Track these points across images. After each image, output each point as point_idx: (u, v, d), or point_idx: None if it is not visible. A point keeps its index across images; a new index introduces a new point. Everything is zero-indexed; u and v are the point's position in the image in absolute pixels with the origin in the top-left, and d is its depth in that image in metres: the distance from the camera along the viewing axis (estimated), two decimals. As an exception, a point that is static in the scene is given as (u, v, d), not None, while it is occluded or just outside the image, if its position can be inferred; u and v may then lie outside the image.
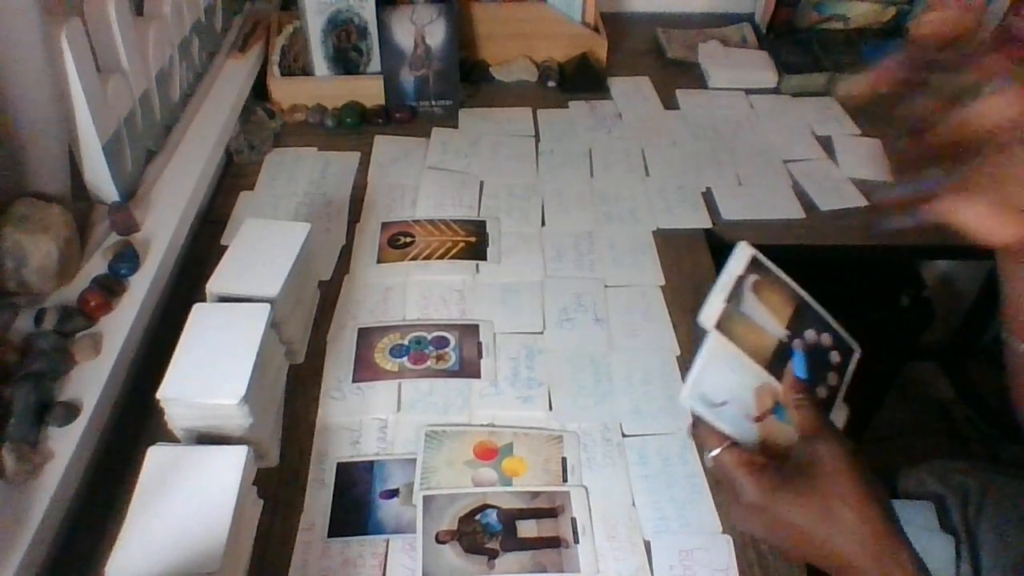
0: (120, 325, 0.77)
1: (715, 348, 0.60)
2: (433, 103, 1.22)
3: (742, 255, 0.62)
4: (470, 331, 0.86)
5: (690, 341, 0.87)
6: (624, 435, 0.78)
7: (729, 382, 0.60)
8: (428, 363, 0.83)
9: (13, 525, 0.60)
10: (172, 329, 0.71)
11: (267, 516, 0.70)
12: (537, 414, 0.79)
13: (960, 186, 0.54)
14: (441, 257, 0.95)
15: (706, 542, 0.70)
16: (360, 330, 0.87)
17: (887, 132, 1.21)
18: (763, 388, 0.61)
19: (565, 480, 0.74)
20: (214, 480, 0.62)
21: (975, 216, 0.57)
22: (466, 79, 1.26)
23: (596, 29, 1.33)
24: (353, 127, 1.18)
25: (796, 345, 0.62)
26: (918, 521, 0.79)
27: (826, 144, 1.18)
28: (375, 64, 1.21)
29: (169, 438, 0.69)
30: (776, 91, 1.31)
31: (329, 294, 0.91)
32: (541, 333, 0.88)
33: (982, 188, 0.53)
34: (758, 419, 0.60)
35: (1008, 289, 0.61)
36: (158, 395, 0.65)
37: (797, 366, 0.61)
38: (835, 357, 0.65)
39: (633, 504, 0.73)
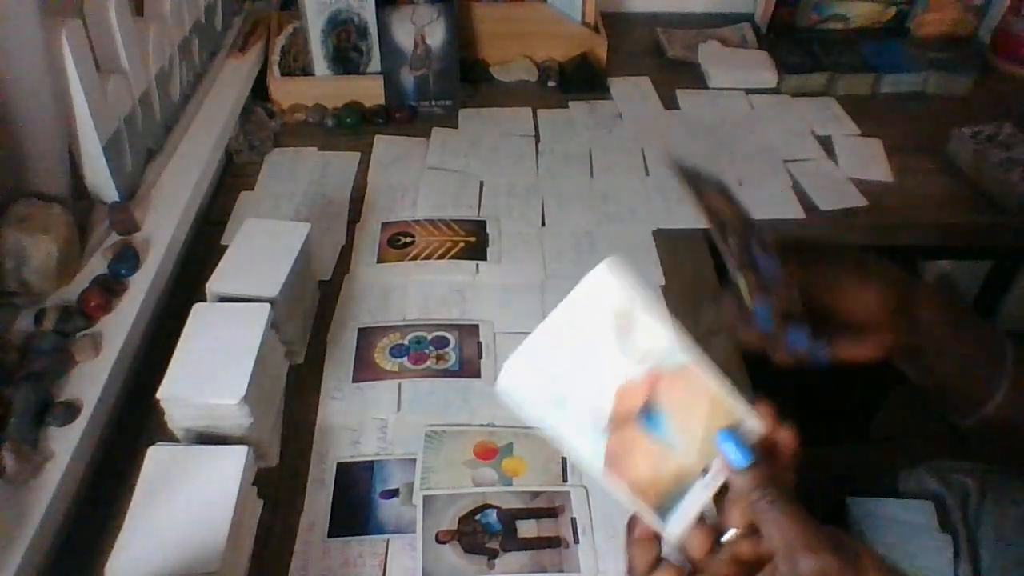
0: (120, 325, 0.77)
1: (576, 313, 0.41)
2: (433, 103, 1.22)
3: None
4: (470, 331, 0.86)
5: (690, 341, 0.87)
6: (624, 435, 0.78)
7: (578, 368, 0.40)
8: (428, 363, 0.83)
9: (13, 525, 0.60)
10: (172, 329, 0.71)
11: (267, 516, 0.70)
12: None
13: None
14: (441, 257, 0.95)
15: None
16: (360, 330, 0.87)
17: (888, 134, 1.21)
18: (633, 386, 0.43)
19: (565, 480, 0.74)
20: (214, 480, 0.62)
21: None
22: (466, 79, 1.26)
23: (596, 29, 1.33)
24: (353, 127, 1.18)
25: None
26: (918, 521, 0.79)
27: (826, 144, 1.18)
28: (375, 64, 1.21)
29: (169, 438, 0.69)
30: (776, 91, 1.31)
31: (329, 294, 0.91)
32: (541, 333, 0.87)
33: None
34: (614, 426, 0.42)
35: (917, 380, 0.60)
36: (158, 395, 0.65)
37: (732, 455, 0.43)
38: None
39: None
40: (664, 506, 0.43)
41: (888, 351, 0.58)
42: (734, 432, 0.44)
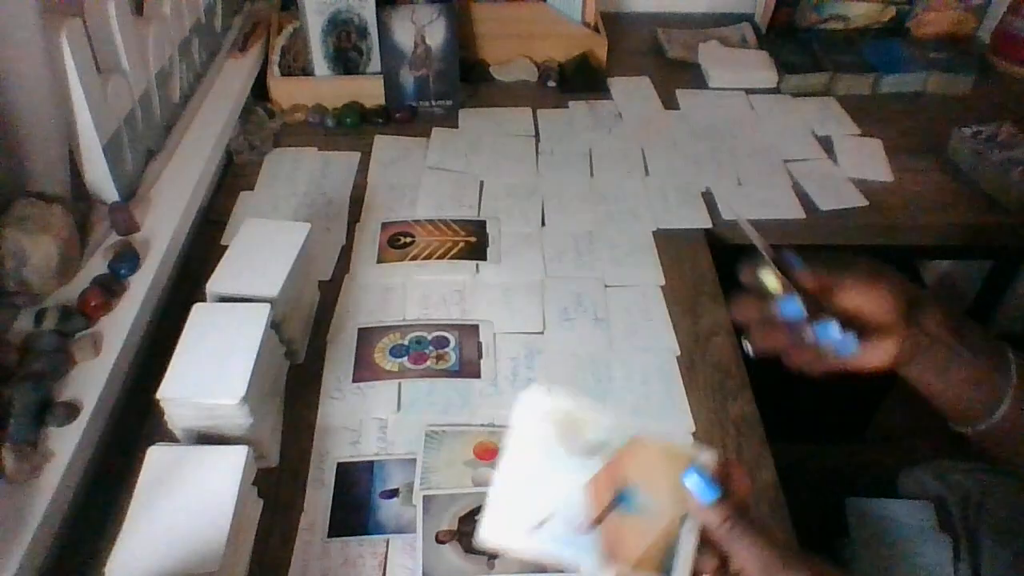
0: (120, 325, 0.77)
1: (520, 448, 0.46)
2: (433, 103, 1.22)
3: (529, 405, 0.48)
4: (470, 331, 0.86)
5: (690, 341, 0.87)
6: (624, 435, 0.78)
7: (545, 488, 0.45)
8: (428, 363, 0.83)
9: (13, 525, 0.60)
10: (172, 329, 0.71)
11: (267, 516, 0.70)
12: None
13: None
14: (441, 257, 0.95)
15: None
16: (360, 330, 0.87)
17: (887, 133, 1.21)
18: (600, 477, 0.46)
19: (565, 480, 0.74)
20: (214, 480, 0.62)
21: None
22: (466, 79, 1.26)
23: (596, 29, 1.33)
24: (353, 127, 1.18)
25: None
26: (918, 521, 0.79)
27: (826, 144, 1.18)
28: (375, 64, 1.21)
29: (169, 438, 0.69)
30: (776, 91, 1.31)
31: (329, 294, 0.91)
32: (541, 333, 0.88)
33: None
34: (597, 521, 0.45)
35: (923, 390, 0.61)
36: (158, 395, 0.65)
37: (700, 490, 0.46)
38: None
39: (633, 504, 0.72)
40: (665, 565, 0.47)
41: (896, 357, 0.58)
42: (695, 468, 0.47)
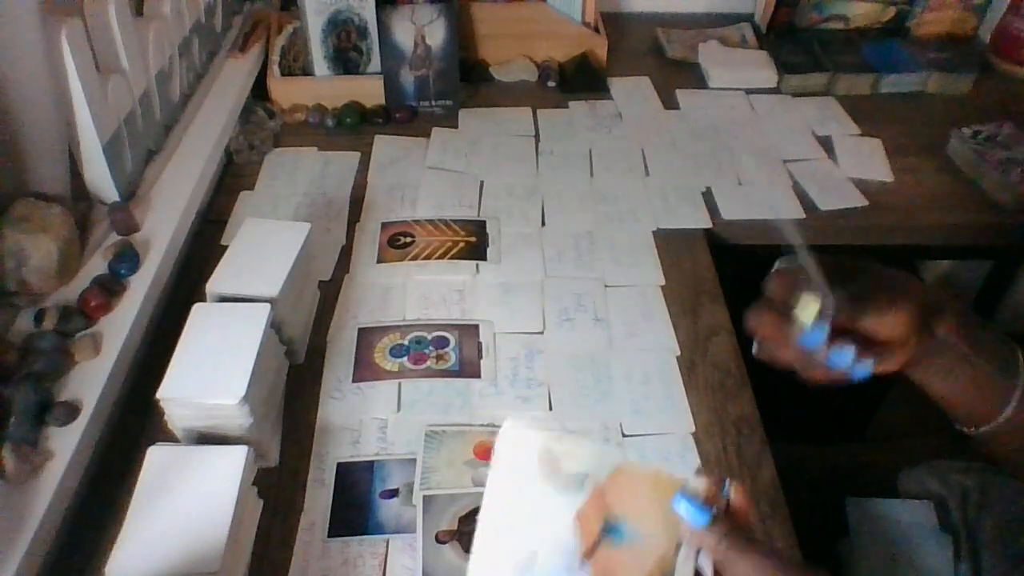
0: (120, 325, 0.77)
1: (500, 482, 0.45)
2: (433, 103, 1.22)
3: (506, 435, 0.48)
4: (470, 331, 0.86)
5: (690, 341, 0.87)
6: (624, 435, 0.78)
7: (532, 522, 0.44)
8: (428, 363, 0.83)
9: (13, 525, 0.60)
10: (172, 329, 0.71)
11: (267, 516, 0.70)
12: (537, 414, 0.79)
13: None
14: (441, 257, 0.95)
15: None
16: (360, 330, 0.87)
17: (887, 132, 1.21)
18: (587, 509, 0.45)
19: (565, 480, 0.74)
20: (214, 480, 0.62)
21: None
22: (466, 79, 1.26)
23: (596, 29, 1.33)
24: (353, 127, 1.18)
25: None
26: (918, 521, 0.79)
27: (826, 144, 1.18)
28: (375, 64, 1.21)
29: (169, 438, 0.69)
30: (776, 91, 1.31)
31: (329, 294, 0.91)
32: (541, 333, 0.88)
33: None
34: (587, 554, 0.45)
35: (929, 392, 0.61)
36: (158, 395, 0.65)
37: (690, 515, 0.45)
38: None
39: (633, 504, 0.72)
40: None
41: (904, 363, 0.58)
42: (683, 494, 0.46)
